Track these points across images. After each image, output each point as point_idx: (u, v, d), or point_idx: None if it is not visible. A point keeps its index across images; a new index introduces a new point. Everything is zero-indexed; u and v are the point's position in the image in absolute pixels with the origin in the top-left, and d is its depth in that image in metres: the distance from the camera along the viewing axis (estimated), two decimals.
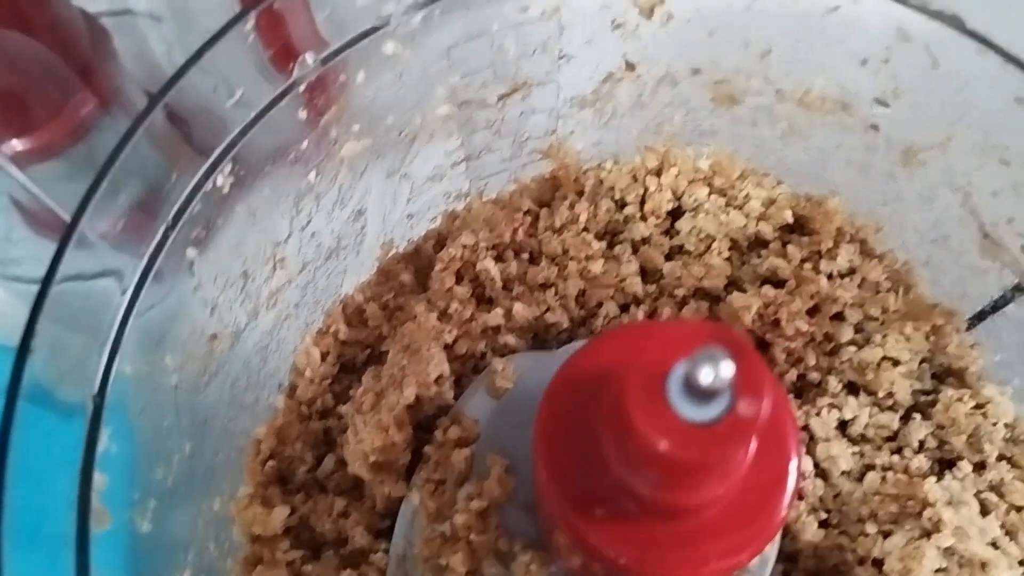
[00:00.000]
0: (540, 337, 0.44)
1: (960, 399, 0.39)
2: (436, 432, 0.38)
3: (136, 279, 0.31)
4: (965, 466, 0.38)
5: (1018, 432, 0.39)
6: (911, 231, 0.42)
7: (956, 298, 0.41)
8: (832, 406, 0.39)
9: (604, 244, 0.44)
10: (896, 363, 0.40)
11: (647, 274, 0.44)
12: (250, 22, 0.31)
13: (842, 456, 0.38)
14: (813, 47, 0.37)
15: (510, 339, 0.42)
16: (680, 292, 0.43)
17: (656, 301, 0.43)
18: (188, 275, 0.34)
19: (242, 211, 0.35)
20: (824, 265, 0.42)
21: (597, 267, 0.43)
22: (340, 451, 0.40)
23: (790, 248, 0.42)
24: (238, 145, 0.33)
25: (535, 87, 0.41)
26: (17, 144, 0.44)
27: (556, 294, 0.43)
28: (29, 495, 0.27)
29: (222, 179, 0.33)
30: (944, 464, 0.39)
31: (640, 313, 0.42)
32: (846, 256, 0.42)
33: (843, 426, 0.39)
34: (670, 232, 0.45)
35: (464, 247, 0.43)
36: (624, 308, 0.43)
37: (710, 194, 0.44)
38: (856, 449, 0.39)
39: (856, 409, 0.39)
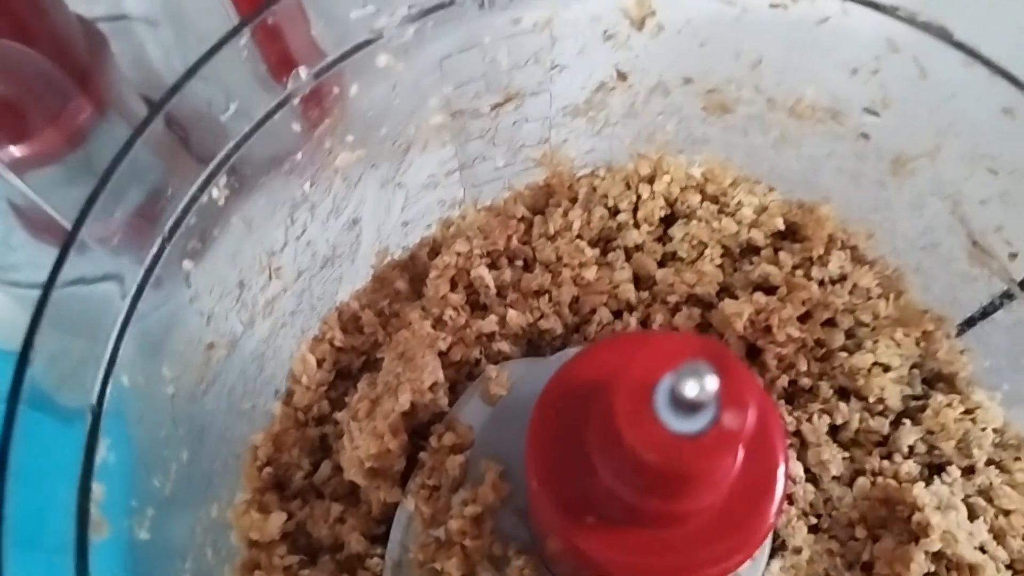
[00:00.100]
0: (534, 343, 0.44)
1: (949, 404, 0.39)
2: (431, 438, 0.38)
3: (133, 291, 0.31)
4: (954, 471, 0.38)
5: (1007, 437, 0.39)
6: (901, 238, 0.42)
7: (946, 304, 0.41)
8: (823, 411, 0.40)
9: (597, 251, 0.44)
10: (887, 369, 0.40)
11: (640, 281, 0.44)
12: (246, 36, 0.31)
13: (832, 461, 0.38)
14: (804, 57, 0.38)
15: (504, 346, 0.42)
16: (673, 299, 0.43)
17: (649, 308, 0.43)
18: (184, 286, 0.34)
19: (238, 222, 0.35)
20: (815, 271, 0.42)
21: (591, 274, 0.43)
22: (336, 457, 0.40)
23: (782, 255, 0.43)
24: (233, 157, 0.33)
25: (528, 97, 0.41)
26: (15, 150, 0.45)
27: (550, 301, 0.43)
28: (29, 499, 0.27)
29: (217, 191, 0.33)
30: (933, 469, 0.39)
31: (633, 320, 0.43)
32: (837, 263, 0.42)
33: (834, 431, 0.40)
34: (663, 239, 0.45)
35: (458, 254, 0.43)
36: (617, 315, 0.44)
37: (703, 201, 0.44)
38: (846, 454, 0.39)
39: (847, 414, 0.39)
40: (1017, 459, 0.39)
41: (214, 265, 0.35)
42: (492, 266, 0.44)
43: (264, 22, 0.32)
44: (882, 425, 0.40)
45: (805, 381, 0.41)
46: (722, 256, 0.43)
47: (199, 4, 0.54)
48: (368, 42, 0.35)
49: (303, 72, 0.34)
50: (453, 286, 0.43)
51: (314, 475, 0.41)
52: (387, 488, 0.38)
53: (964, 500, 0.37)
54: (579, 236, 0.44)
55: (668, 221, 0.45)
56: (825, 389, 0.40)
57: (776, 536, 0.37)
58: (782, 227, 0.43)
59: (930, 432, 0.39)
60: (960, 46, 0.33)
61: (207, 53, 0.32)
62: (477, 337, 0.42)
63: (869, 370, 0.40)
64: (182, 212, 0.33)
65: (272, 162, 0.36)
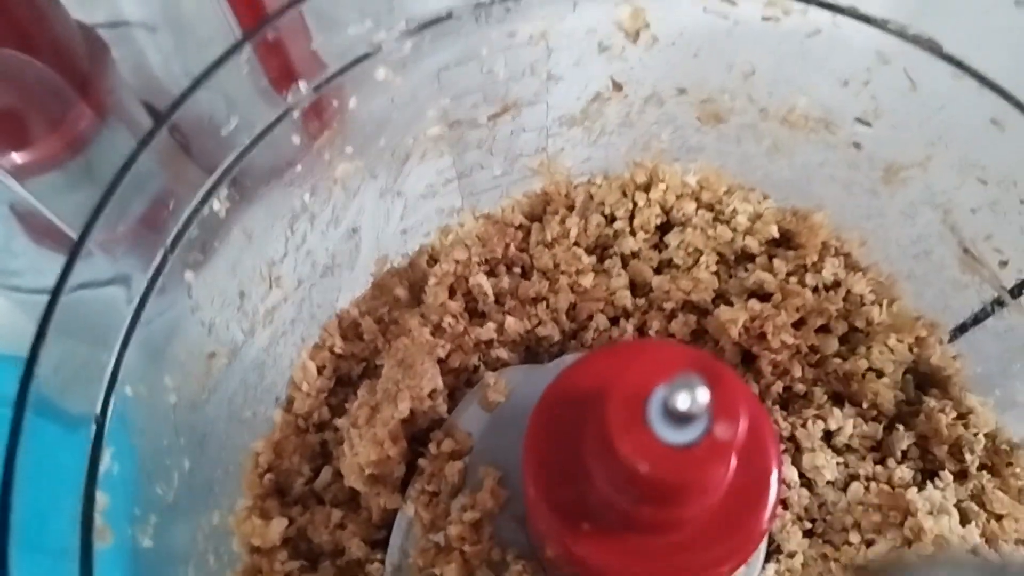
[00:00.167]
0: (532, 350, 0.44)
1: (942, 410, 0.40)
2: (430, 445, 0.39)
3: (136, 302, 0.32)
4: (947, 476, 0.39)
5: (999, 442, 0.40)
6: (894, 246, 0.42)
7: (938, 311, 0.42)
8: (817, 417, 0.40)
9: (594, 258, 0.45)
10: (880, 374, 0.41)
11: (636, 287, 0.45)
12: (248, 50, 0.31)
13: (827, 466, 0.39)
14: (796, 68, 0.38)
15: (502, 353, 0.43)
16: (669, 305, 0.43)
17: (645, 314, 0.44)
18: (186, 297, 0.34)
19: (238, 233, 0.36)
20: (809, 278, 0.42)
21: (587, 281, 0.44)
22: (337, 463, 0.40)
23: (776, 262, 0.43)
24: (235, 169, 0.34)
25: (525, 107, 0.42)
26: (16, 157, 0.45)
27: (547, 308, 0.43)
28: (34, 503, 0.28)
29: (219, 203, 0.34)
30: (926, 474, 0.39)
31: (630, 326, 0.43)
32: (831, 269, 0.42)
33: (828, 436, 0.40)
34: (659, 246, 0.45)
35: (457, 262, 0.43)
36: (614, 321, 0.44)
37: (698, 209, 0.45)
38: (841, 459, 0.39)
39: (841, 420, 0.40)
40: (1009, 464, 0.39)
41: (215, 276, 0.35)
42: (490, 273, 0.44)
43: (266, 36, 0.33)
44: (876, 430, 0.40)
45: (799, 387, 0.41)
46: (717, 263, 0.44)
47: (198, 10, 0.55)
48: (367, 56, 0.35)
49: (303, 85, 0.34)
50: (452, 293, 0.43)
51: (315, 481, 0.41)
52: (387, 494, 0.38)
53: (957, 505, 0.38)
54: (576, 243, 0.45)
55: (664, 229, 0.46)
56: (819, 395, 0.41)
57: (771, 541, 0.38)
58: (776, 234, 0.44)
59: (923, 437, 0.40)
60: (949, 59, 0.33)
61: (210, 66, 0.32)
62: (475, 344, 0.42)
63: (863, 375, 0.41)
64: (184, 224, 0.33)
65: (272, 173, 0.37)
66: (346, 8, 0.35)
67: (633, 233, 0.45)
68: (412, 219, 0.45)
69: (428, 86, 0.38)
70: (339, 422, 0.41)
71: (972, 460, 0.39)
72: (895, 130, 0.38)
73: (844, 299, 0.42)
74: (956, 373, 0.41)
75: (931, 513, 0.36)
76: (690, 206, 0.45)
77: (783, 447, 0.39)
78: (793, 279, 0.43)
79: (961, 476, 0.39)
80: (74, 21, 0.48)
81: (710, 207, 0.45)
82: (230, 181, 0.34)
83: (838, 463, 0.39)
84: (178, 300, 0.35)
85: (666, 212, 0.45)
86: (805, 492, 0.39)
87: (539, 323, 0.43)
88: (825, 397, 0.41)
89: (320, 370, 0.43)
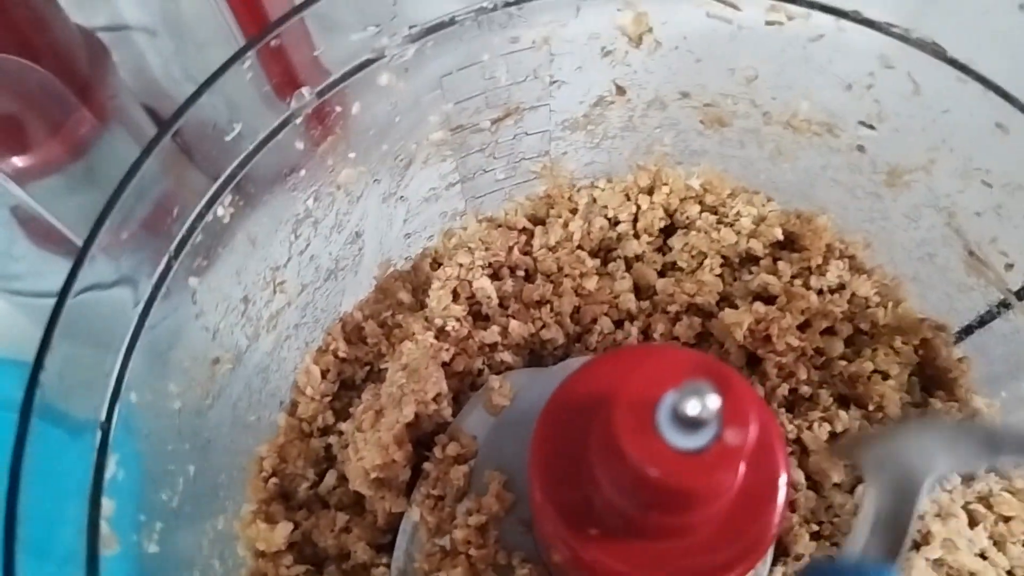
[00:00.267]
0: (536, 353, 0.44)
1: (948, 412, 0.40)
2: (435, 449, 0.39)
3: (141, 309, 0.32)
4: (954, 478, 0.39)
5: None
6: (899, 248, 0.42)
7: (944, 313, 0.42)
8: (823, 419, 0.40)
9: (598, 261, 0.45)
10: (886, 376, 0.41)
11: (640, 290, 0.45)
12: (251, 58, 0.31)
13: (833, 468, 0.39)
14: (799, 73, 0.38)
15: (506, 356, 0.43)
16: (673, 308, 0.43)
17: (650, 317, 0.44)
18: (190, 303, 0.34)
19: (242, 238, 0.36)
20: (814, 281, 0.42)
21: (591, 284, 0.44)
22: (341, 467, 0.40)
23: (781, 264, 0.43)
24: (239, 175, 0.34)
25: (527, 111, 0.42)
26: (17, 162, 0.45)
27: (551, 311, 0.43)
28: (39, 509, 0.27)
29: (223, 209, 0.34)
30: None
31: (634, 329, 0.43)
32: (836, 272, 0.43)
33: (834, 438, 0.40)
34: (663, 249, 0.45)
35: (460, 265, 0.43)
36: (618, 324, 0.44)
37: (701, 212, 0.45)
38: (847, 462, 0.39)
39: (847, 422, 0.40)
40: (1016, 466, 0.39)
41: (219, 281, 0.35)
42: (494, 277, 0.44)
43: (269, 43, 0.33)
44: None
45: (805, 389, 0.41)
46: (721, 266, 0.44)
47: (198, 13, 0.55)
48: (370, 61, 0.35)
49: (306, 91, 0.34)
50: (455, 297, 0.43)
51: (319, 485, 0.41)
52: (392, 498, 0.38)
53: (964, 507, 0.38)
54: (579, 247, 0.45)
55: (667, 232, 0.46)
56: (825, 397, 0.41)
57: (778, 543, 0.38)
58: (780, 237, 0.44)
59: None
60: (953, 62, 0.33)
61: (214, 74, 0.32)
62: (479, 348, 0.42)
63: (868, 378, 0.41)
64: (188, 230, 0.33)
65: (276, 179, 0.37)
66: (349, 14, 0.35)
67: (637, 236, 0.45)
68: (415, 223, 0.45)
69: (431, 91, 0.38)
70: (343, 426, 0.41)
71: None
72: (899, 134, 0.38)
73: (849, 301, 0.42)
74: (962, 375, 0.41)
75: (939, 516, 0.36)
76: (694, 209, 0.45)
77: (789, 449, 0.39)
78: (798, 282, 0.43)
79: (968, 479, 0.39)
80: (74, 25, 0.47)
81: (714, 210, 0.45)
82: (234, 187, 0.34)
83: (844, 465, 0.39)
84: (181, 305, 0.35)
85: (669, 215, 0.45)
86: (812, 494, 0.39)
87: (543, 326, 0.43)
88: (831, 399, 0.41)
89: (324, 374, 0.43)
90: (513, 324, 0.43)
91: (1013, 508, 0.38)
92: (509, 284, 0.44)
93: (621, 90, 0.41)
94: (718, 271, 0.44)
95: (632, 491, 0.26)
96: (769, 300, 0.42)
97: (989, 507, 0.38)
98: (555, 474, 0.30)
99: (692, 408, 0.23)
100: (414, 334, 0.41)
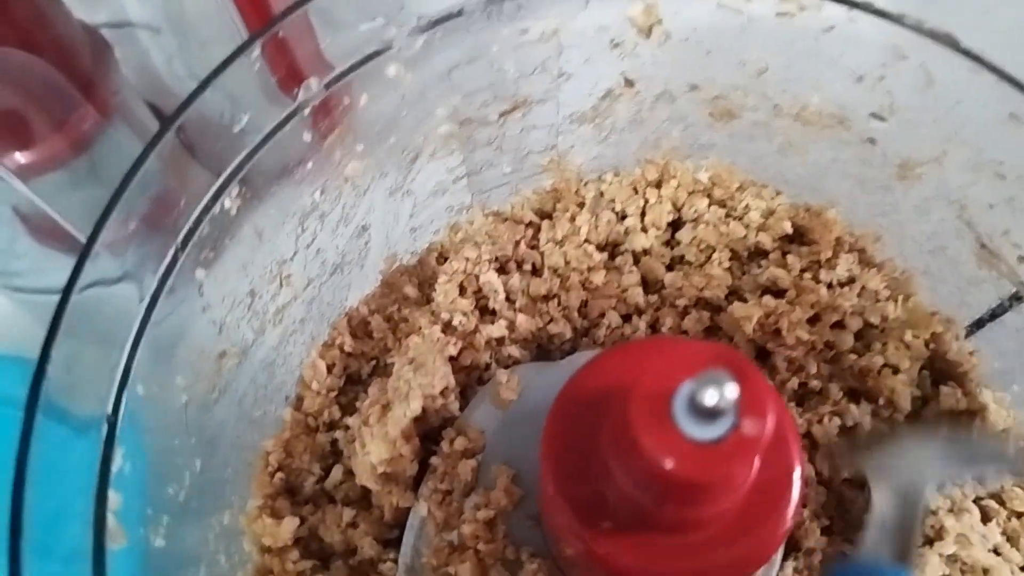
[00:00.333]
0: (543, 348, 0.44)
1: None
2: (442, 443, 0.39)
3: (148, 301, 0.32)
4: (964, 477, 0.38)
5: (1017, 438, 0.39)
6: (909, 241, 0.42)
7: (955, 306, 0.41)
8: (834, 413, 0.40)
9: (605, 255, 0.45)
10: (896, 370, 0.40)
11: (648, 285, 0.44)
12: (256, 50, 0.31)
13: (844, 465, 0.39)
14: (809, 65, 0.38)
15: (514, 350, 0.43)
16: (681, 302, 0.43)
17: (658, 311, 0.44)
18: (197, 295, 0.34)
19: (249, 231, 0.36)
20: (824, 274, 0.42)
21: (599, 278, 0.43)
22: (347, 462, 0.40)
23: (790, 258, 0.43)
24: (245, 168, 0.34)
25: (535, 104, 0.41)
26: (20, 157, 0.45)
27: (559, 305, 0.43)
28: (44, 507, 0.27)
29: (229, 201, 0.34)
30: None
31: (642, 323, 0.43)
32: (845, 265, 0.42)
33: (844, 433, 0.40)
34: (671, 243, 0.45)
35: (467, 260, 0.43)
36: (626, 318, 0.44)
37: (710, 205, 0.45)
38: (850, 469, 0.39)
39: (857, 416, 0.40)
40: (996, 478, 0.39)
41: (226, 275, 0.35)
42: (501, 271, 0.44)
43: (273, 36, 0.33)
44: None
45: (815, 383, 0.41)
46: (730, 260, 0.44)
47: (201, 10, 0.54)
48: (378, 53, 0.35)
49: (314, 83, 0.34)
50: (462, 291, 0.43)
51: (325, 480, 0.41)
52: (399, 493, 0.38)
53: (977, 503, 0.37)
54: (587, 241, 0.45)
55: (676, 225, 0.45)
56: (835, 391, 0.40)
57: (789, 538, 0.38)
58: (790, 231, 0.43)
59: None
60: (967, 53, 0.33)
61: (218, 67, 0.32)
62: (487, 342, 0.42)
63: (879, 372, 0.40)
64: (195, 222, 0.33)
65: (282, 172, 0.37)
66: (355, 6, 0.35)
67: (644, 230, 0.45)
68: (422, 217, 0.45)
69: (439, 84, 0.38)
70: (350, 421, 0.41)
71: None
72: (910, 126, 0.38)
73: (859, 295, 0.42)
74: (973, 369, 0.41)
75: (951, 511, 0.36)
76: (702, 203, 0.44)
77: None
78: (807, 275, 0.42)
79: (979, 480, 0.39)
80: (77, 21, 0.47)
81: (722, 203, 0.45)
82: (241, 179, 0.34)
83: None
84: (188, 299, 0.35)
85: (678, 209, 0.45)
86: (823, 489, 0.39)
87: (550, 320, 0.43)
88: (841, 393, 0.40)
89: (330, 368, 0.43)
90: (520, 318, 0.42)
91: None
92: (516, 278, 0.44)
93: (630, 83, 0.41)
94: (727, 265, 0.43)
95: (647, 483, 0.26)
96: (778, 294, 0.42)
97: (1001, 503, 0.38)
98: (567, 467, 0.30)
99: (710, 398, 0.22)
100: (420, 328, 0.41)
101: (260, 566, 0.38)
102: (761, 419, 0.23)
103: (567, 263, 0.44)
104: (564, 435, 0.30)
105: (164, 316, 0.32)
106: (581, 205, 0.46)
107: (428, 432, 0.40)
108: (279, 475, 0.40)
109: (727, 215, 0.44)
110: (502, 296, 0.43)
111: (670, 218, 0.45)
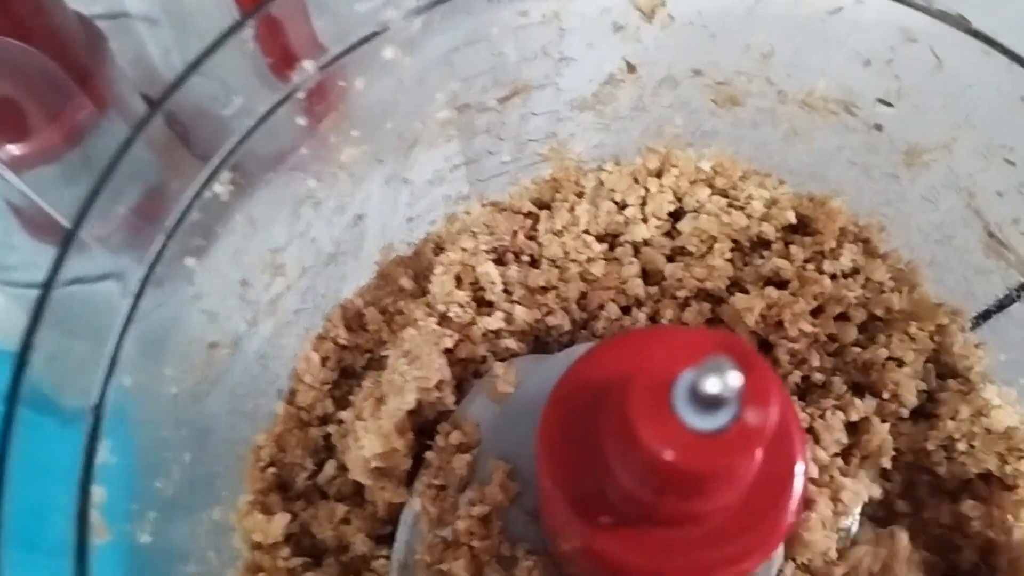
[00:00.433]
0: (541, 340, 0.44)
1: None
2: (437, 437, 0.38)
3: (136, 289, 0.31)
4: None
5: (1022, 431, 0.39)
6: (915, 231, 0.41)
7: (961, 297, 0.41)
8: (837, 407, 0.39)
9: (605, 246, 0.44)
10: (901, 363, 0.40)
11: (649, 276, 0.44)
12: (248, 30, 0.31)
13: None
14: (816, 49, 0.37)
15: (511, 343, 0.42)
16: (682, 294, 0.42)
17: (658, 303, 0.43)
18: (187, 284, 0.34)
19: (241, 219, 0.35)
20: (827, 265, 0.42)
21: (598, 269, 0.43)
22: (341, 457, 0.40)
23: (793, 248, 0.42)
24: (237, 153, 0.33)
25: (535, 90, 0.41)
26: (14, 149, 0.44)
27: (557, 297, 0.43)
28: (28, 502, 0.27)
29: (221, 187, 0.33)
30: None
31: (642, 315, 0.42)
32: (849, 256, 0.42)
33: (848, 428, 0.39)
34: (671, 233, 0.45)
35: (464, 250, 0.43)
36: (626, 310, 0.43)
37: (712, 195, 0.44)
38: None
39: (861, 410, 0.39)
40: None
41: (217, 263, 0.35)
42: (498, 262, 0.43)
43: (265, 17, 0.32)
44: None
45: (818, 376, 0.40)
46: (732, 250, 0.43)
47: (199, 2, 0.54)
48: (375, 34, 0.34)
49: (309, 65, 0.34)
50: (458, 283, 0.42)
51: (318, 475, 0.40)
52: (393, 488, 0.37)
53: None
54: (586, 231, 0.44)
55: (677, 215, 0.45)
56: (838, 384, 0.40)
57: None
58: (793, 221, 0.43)
59: None
60: (978, 35, 0.32)
61: (208, 49, 0.31)
62: (483, 334, 0.41)
63: (883, 365, 0.40)
64: (185, 208, 0.32)
65: (276, 158, 0.36)
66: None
67: (645, 220, 0.44)
68: (418, 206, 0.44)
69: (437, 68, 0.38)
70: (343, 415, 0.40)
71: None
72: (919, 111, 0.37)
73: (863, 286, 0.41)
74: (979, 362, 0.40)
75: None
76: (704, 192, 0.44)
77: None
78: (810, 266, 0.42)
79: None
80: (73, 12, 0.47)
81: (724, 193, 0.44)
82: (232, 165, 0.33)
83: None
84: (178, 291, 0.34)
85: (679, 199, 0.44)
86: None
87: (549, 312, 0.42)
88: (844, 387, 0.40)
89: (324, 361, 0.42)
90: (518, 310, 0.42)
91: None
92: (514, 269, 0.43)
93: (632, 67, 0.41)
94: (728, 255, 0.43)
95: (646, 476, 0.25)
96: (781, 285, 0.41)
97: None
98: (564, 460, 0.29)
99: (712, 386, 0.21)
100: (416, 320, 0.40)
101: (250, 563, 0.38)
102: (765, 409, 0.22)
103: (566, 254, 0.43)
104: (561, 427, 0.29)
105: (154, 305, 0.32)
106: (580, 195, 0.45)
107: (423, 426, 0.39)
108: (271, 470, 0.40)
109: (729, 205, 0.44)
110: (499, 288, 0.42)
111: (671, 208, 0.44)
